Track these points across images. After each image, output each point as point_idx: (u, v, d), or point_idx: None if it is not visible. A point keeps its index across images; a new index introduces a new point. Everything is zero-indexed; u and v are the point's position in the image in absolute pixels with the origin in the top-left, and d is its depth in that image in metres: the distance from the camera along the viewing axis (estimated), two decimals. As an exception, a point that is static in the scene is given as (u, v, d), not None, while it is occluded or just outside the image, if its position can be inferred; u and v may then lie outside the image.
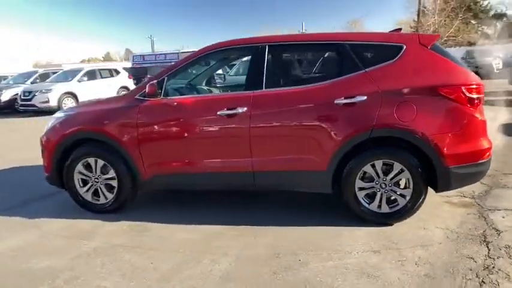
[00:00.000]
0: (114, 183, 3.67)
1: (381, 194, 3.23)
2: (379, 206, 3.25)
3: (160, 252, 3.00)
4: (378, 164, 3.17)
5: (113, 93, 14.16)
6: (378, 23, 71.72)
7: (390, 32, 3.65)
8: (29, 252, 3.07)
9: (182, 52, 34.90)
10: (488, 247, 2.86)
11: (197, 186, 3.65)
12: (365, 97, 3.08)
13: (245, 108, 3.26)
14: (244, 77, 4.49)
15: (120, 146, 3.53)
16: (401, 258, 2.76)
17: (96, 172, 3.70)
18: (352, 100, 3.10)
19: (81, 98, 12.99)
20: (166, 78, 3.52)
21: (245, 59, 4.06)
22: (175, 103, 3.47)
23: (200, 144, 3.44)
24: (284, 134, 3.28)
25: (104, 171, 3.69)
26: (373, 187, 3.24)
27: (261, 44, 3.39)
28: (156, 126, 3.47)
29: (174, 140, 3.47)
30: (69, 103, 12.76)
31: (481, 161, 3.13)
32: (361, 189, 3.25)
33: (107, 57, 68.48)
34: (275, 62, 3.41)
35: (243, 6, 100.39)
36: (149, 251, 3.03)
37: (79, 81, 13.12)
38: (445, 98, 3.03)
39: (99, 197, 3.76)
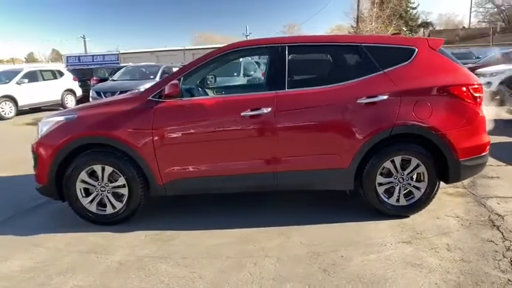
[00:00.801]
0: (124, 191, 3.43)
1: (399, 188, 3.41)
2: (398, 200, 3.43)
3: (196, 260, 2.87)
4: (397, 159, 3.35)
5: (57, 96, 13.08)
6: (317, 28, 75.06)
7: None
8: (46, 273, 2.75)
9: (122, 53, 33.45)
10: (499, 230, 3.16)
11: (216, 190, 3.54)
12: (386, 96, 3.24)
13: (269, 109, 3.25)
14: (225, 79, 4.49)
15: (133, 151, 3.31)
16: (433, 246, 2.95)
17: (102, 180, 3.42)
18: (374, 99, 3.24)
19: (22, 102, 11.80)
20: (182, 78, 3.38)
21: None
22: (195, 104, 3.34)
23: (221, 146, 3.35)
24: (308, 134, 3.32)
25: (111, 178, 3.43)
26: (391, 182, 3.41)
27: (282, 44, 3.41)
28: (174, 129, 3.31)
29: (193, 142, 3.33)
30: (7, 108, 11.52)
31: (483, 154, 3.45)
32: (380, 184, 3.40)
33: (30, 58, 62.89)
34: (296, 62, 3.44)
35: (184, 7, 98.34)
36: (183, 259, 2.88)
37: (18, 83, 11.87)
38: (455, 97, 3.30)
39: (105, 207, 3.48)
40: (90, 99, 10.36)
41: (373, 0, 27.59)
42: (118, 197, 3.47)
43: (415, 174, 3.41)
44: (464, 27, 28.37)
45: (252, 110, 3.26)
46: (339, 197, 3.91)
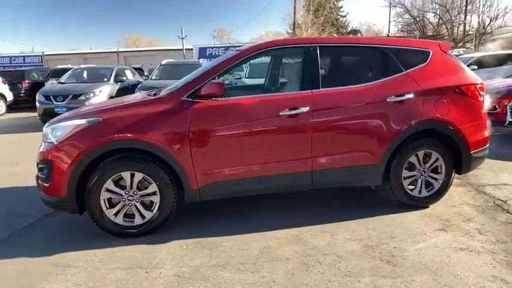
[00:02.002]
0: (155, 198, 3.19)
1: (421, 181, 3.65)
2: (420, 191, 3.66)
3: (256, 264, 2.77)
4: (420, 154, 3.59)
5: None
6: (249, 33, 76.34)
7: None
8: (100, 293, 2.45)
9: (47, 55, 30.56)
10: (509, 212, 3.54)
11: (252, 192, 3.44)
12: (411, 95, 3.45)
13: (307, 108, 3.27)
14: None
15: (168, 155, 3.10)
16: (466, 231, 3.21)
17: (131, 188, 3.15)
18: (402, 98, 3.44)
19: None
20: (217, 77, 3.25)
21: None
22: (233, 104, 3.23)
23: (259, 147, 3.28)
24: (343, 132, 3.41)
25: (141, 186, 3.17)
26: (414, 175, 3.63)
27: (313, 44, 3.45)
28: (211, 130, 3.16)
29: (231, 144, 3.22)
30: None
31: (486, 146, 3.84)
32: (405, 178, 3.61)
33: None
34: (327, 62, 3.50)
35: (114, 7, 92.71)
36: (243, 265, 2.77)
37: None
38: (466, 95, 3.64)
39: (132, 217, 3.21)
40: (37, 103, 9.34)
41: (308, 7, 28.95)
42: (147, 205, 3.22)
43: (434, 166, 3.68)
44: (388, 35, 31.11)
45: (290, 109, 3.25)
46: (355, 193, 4.07)
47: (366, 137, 3.43)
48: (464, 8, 31.87)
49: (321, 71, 3.40)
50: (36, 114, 10.21)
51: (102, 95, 9.58)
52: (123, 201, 3.17)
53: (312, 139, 3.32)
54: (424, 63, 3.63)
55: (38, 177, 3.30)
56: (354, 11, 77.30)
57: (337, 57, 3.74)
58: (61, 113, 8.85)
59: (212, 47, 28.46)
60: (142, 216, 3.21)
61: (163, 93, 3.50)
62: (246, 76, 9.05)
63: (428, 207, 3.72)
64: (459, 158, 3.67)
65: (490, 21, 31.66)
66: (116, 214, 3.17)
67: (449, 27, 33.25)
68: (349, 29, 37.21)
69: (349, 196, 4.09)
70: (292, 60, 3.98)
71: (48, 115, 9.18)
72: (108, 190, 3.11)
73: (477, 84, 3.71)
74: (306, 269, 2.69)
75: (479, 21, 32.20)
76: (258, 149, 3.29)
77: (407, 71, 3.55)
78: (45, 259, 2.91)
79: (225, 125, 3.18)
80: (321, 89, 3.36)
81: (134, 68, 13.88)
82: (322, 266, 2.72)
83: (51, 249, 3.06)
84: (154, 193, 3.18)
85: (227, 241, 3.14)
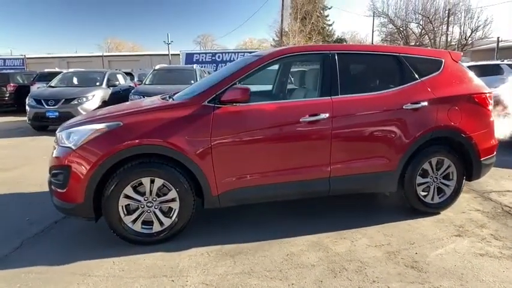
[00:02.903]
0: (175, 205, 3.13)
1: (434, 187, 3.71)
2: (432, 198, 3.72)
3: (283, 271, 2.75)
4: (434, 160, 3.65)
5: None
6: (235, 40, 76.49)
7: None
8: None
9: (29, 58, 29.82)
10: (519, 219, 3.64)
11: (270, 198, 3.42)
12: (426, 103, 3.52)
13: (327, 114, 3.29)
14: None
15: (189, 161, 3.05)
16: (482, 237, 3.27)
17: (151, 194, 3.09)
18: (417, 105, 3.50)
19: None
20: (237, 82, 3.23)
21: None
22: (255, 110, 3.21)
23: (279, 153, 3.28)
24: (362, 138, 3.44)
25: (160, 192, 3.11)
26: (427, 182, 3.69)
27: (331, 51, 3.48)
28: (233, 136, 3.14)
29: (252, 150, 3.20)
30: None
31: (494, 154, 3.94)
32: (419, 184, 3.66)
33: None
34: (344, 69, 3.52)
35: (95, 10, 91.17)
36: (270, 272, 2.74)
37: None
38: (477, 104, 3.73)
39: (150, 224, 3.14)
40: (28, 107, 9.08)
41: (295, 15, 29.30)
42: (166, 212, 3.16)
43: (446, 173, 3.74)
44: (372, 44, 31.85)
45: (310, 116, 3.26)
46: (368, 200, 4.10)
47: (384, 143, 3.47)
48: (446, 19, 32.85)
49: (340, 78, 3.43)
50: (24, 118, 9.97)
51: (95, 99, 9.40)
52: (142, 207, 3.10)
53: (331, 145, 3.34)
54: (437, 72, 3.71)
55: (51, 183, 3.19)
56: (337, 20, 78.69)
57: (356, 64, 3.78)
58: (53, 118, 8.84)
59: (199, 53, 28.33)
60: (161, 223, 3.14)
61: (181, 97, 3.46)
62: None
63: (440, 213, 3.78)
64: (470, 165, 3.75)
65: (472, 32, 32.71)
66: (134, 221, 3.10)
67: (431, 38, 34.16)
68: (335, 37, 37.94)
69: (362, 202, 4.11)
70: (312, 66, 4.00)
71: (39, 119, 9.02)
72: (127, 196, 3.04)
73: (487, 92, 3.81)
74: (334, 276, 2.68)
75: (460, 32, 33.25)
76: (278, 155, 3.28)
77: (422, 79, 3.62)
78: (64, 267, 2.82)
79: (246, 131, 3.16)
80: (340, 96, 3.39)
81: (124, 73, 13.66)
82: (349, 273, 2.72)
83: (67, 257, 2.96)
84: (173, 199, 3.13)
85: (248, 248, 3.11)
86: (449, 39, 32.89)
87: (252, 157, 3.22)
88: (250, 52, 18.30)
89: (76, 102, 9.06)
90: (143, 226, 3.13)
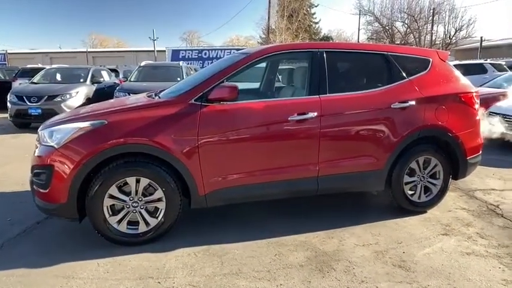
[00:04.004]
0: (161, 205, 3.07)
1: (420, 186, 3.73)
2: (419, 197, 3.74)
3: (271, 272, 2.72)
4: (421, 159, 3.67)
5: None
6: (222, 37, 76.07)
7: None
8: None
9: (10, 53, 29.08)
10: (505, 218, 3.68)
11: (258, 197, 3.39)
12: (414, 102, 3.53)
13: (315, 113, 3.26)
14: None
15: (176, 160, 2.99)
16: (467, 236, 3.30)
17: (136, 194, 3.02)
18: (405, 104, 3.50)
19: None
20: (225, 80, 3.18)
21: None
22: (242, 108, 3.17)
23: (266, 152, 3.24)
24: (350, 137, 3.43)
25: (146, 192, 3.05)
26: (414, 180, 3.71)
27: (320, 49, 3.46)
28: (220, 135, 3.09)
29: (239, 148, 3.15)
30: None
31: (480, 153, 3.98)
32: (406, 183, 3.67)
33: None
34: (333, 67, 3.50)
35: (79, 6, 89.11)
36: (258, 273, 2.70)
37: None
38: (464, 103, 3.76)
39: (136, 225, 3.07)
40: (9, 104, 8.82)
41: (282, 13, 29.27)
42: (152, 212, 3.10)
43: (433, 172, 3.77)
44: (359, 42, 32.13)
45: (299, 114, 3.23)
46: (355, 199, 4.11)
47: (372, 142, 3.47)
48: (431, 18, 33.30)
49: (328, 76, 3.41)
50: (5, 115, 9.71)
51: (79, 96, 9.20)
52: (127, 207, 3.03)
53: (319, 144, 3.32)
54: (425, 71, 3.72)
55: (32, 183, 3.09)
56: (323, 18, 79.06)
57: (344, 62, 3.77)
58: (35, 115, 8.63)
59: (185, 50, 28.10)
60: (147, 224, 3.08)
61: (167, 95, 3.39)
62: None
63: (426, 212, 3.80)
64: (456, 164, 3.78)
65: (456, 31, 33.23)
66: (120, 221, 3.03)
67: (416, 36, 34.59)
68: (322, 35, 38.14)
69: (349, 201, 4.11)
70: (300, 64, 3.97)
71: (21, 116, 8.80)
72: (111, 196, 2.96)
73: (473, 92, 3.85)
74: (322, 276, 2.67)
75: (445, 32, 33.76)
76: (266, 154, 3.25)
77: (410, 78, 3.63)
78: (47, 270, 2.73)
79: (234, 130, 3.11)
80: (328, 95, 3.37)
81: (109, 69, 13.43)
82: (338, 273, 2.71)
83: (50, 259, 2.87)
84: (159, 199, 3.07)
85: (235, 248, 3.07)
86: (433, 38, 33.38)
87: (239, 156, 3.18)
88: (237, 49, 18.23)
89: (59, 99, 8.84)
90: (129, 226, 3.06)
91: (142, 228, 3.08)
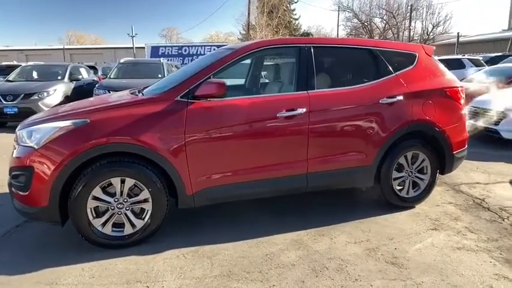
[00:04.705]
0: (147, 206, 2.96)
1: (409, 181, 3.73)
2: (407, 192, 3.75)
3: (263, 272, 2.65)
4: (409, 155, 3.67)
5: None
6: (201, 33, 75.23)
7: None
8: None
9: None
10: (491, 211, 3.72)
11: (247, 196, 3.31)
12: (401, 97, 3.52)
13: (304, 109, 3.21)
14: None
15: (163, 159, 2.89)
16: (457, 230, 3.31)
17: (121, 195, 2.90)
18: (393, 100, 3.49)
19: None
20: (212, 76, 3.08)
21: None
22: (230, 105, 3.08)
23: (256, 149, 3.17)
24: (339, 133, 3.38)
25: (131, 193, 2.93)
26: (403, 176, 3.71)
27: (307, 44, 3.40)
28: (208, 132, 2.99)
29: (229, 146, 3.07)
30: None
31: (466, 147, 4.01)
32: (395, 179, 3.67)
33: None
34: (321, 62, 3.45)
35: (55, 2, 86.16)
36: (249, 274, 2.63)
37: None
38: (450, 98, 3.78)
39: (122, 227, 2.95)
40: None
41: (262, 9, 29.14)
42: (137, 213, 2.99)
43: (420, 167, 3.77)
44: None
45: (287, 111, 3.17)
46: (343, 195, 4.09)
47: (361, 138, 3.44)
48: (408, 15, 33.83)
49: (316, 72, 3.35)
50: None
51: (56, 94, 8.89)
52: (112, 209, 2.91)
53: (308, 141, 3.26)
54: (411, 66, 3.72)
55: (11, 185, 2.93)
56: (303, 14, 79.32)
57: (332, 58, 3.71)
58: (11, 114, 8.29)
59: (165, 46, 27.66)
60: (133, 225, 2.97)
61: (151, 92, 3.27)
62: None
63: (415, 207, 3.81)
64: (443, 159, 3.80)
65: (433, 27, 33.90)
66: (104, 224, 2.90)
67: (395, 32, 35.12)
68: (301, 31, 38.25)
69: (338, 198, 4.08)
70: (287, 59, 3.90)
71: (-4, 116, 8.42)
72: (95, 198, 2.84)
73: (459, 87, 3.87)
74: (316, 275, 2.62)
75: (422, 27, 34.38)
76: (255, 152, 3.17)
77: (397, 73, 3.62)
78: (28, 276, 2.59)
79: (221, 127, 3.02)
80: (316, 90, 3.32)
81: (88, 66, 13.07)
82: (331, 272, 2.66)
83: (31, 265, 2.73)
84: (146, 200, 2.96)
85: (225, 249, 2.99)
86: (411, 34, 33.95)
87: (228, 154, 3.09)
88: (218, 46, 18.02)
89: (36, 97, 8.52)
90: (114, 229, 2.95)
91: (128, 230, 2.96)
